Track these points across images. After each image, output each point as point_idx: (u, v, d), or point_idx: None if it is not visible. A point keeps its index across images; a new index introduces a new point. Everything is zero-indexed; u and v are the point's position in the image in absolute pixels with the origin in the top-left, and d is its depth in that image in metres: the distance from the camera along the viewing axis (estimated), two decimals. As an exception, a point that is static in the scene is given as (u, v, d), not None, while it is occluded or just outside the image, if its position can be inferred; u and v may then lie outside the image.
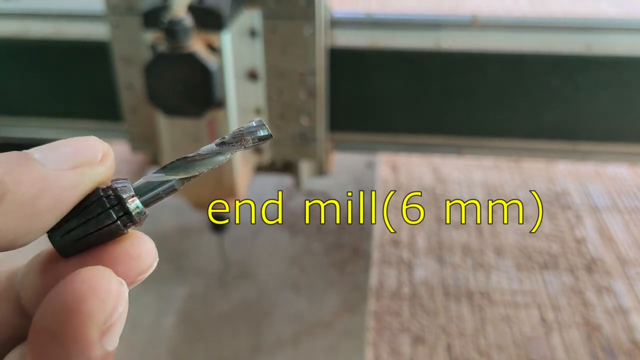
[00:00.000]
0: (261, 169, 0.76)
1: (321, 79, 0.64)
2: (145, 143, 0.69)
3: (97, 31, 0.72)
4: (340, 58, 0.69)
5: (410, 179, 0.99)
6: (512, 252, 0.81)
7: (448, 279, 0.77)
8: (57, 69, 0.75)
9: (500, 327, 0.69)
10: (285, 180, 0.95)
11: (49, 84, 0.76)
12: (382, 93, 0.71)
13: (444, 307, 0.72)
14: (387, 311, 0.72)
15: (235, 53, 0.57)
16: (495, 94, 0.70)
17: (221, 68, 0.54)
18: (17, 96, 0.78)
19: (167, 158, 0.60)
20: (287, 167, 0.75)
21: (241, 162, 0.61)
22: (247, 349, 0.65)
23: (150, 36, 0.54)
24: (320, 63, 0.63)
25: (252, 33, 0.60)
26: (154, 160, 0.76)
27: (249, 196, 0.92)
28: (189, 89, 0.53)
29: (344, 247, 0.80)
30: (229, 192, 0.62)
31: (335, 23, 0.69)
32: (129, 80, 0.65)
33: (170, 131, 0.59)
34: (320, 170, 0.75)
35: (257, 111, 0.64)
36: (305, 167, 0.73)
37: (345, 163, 1.00)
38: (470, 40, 0.69)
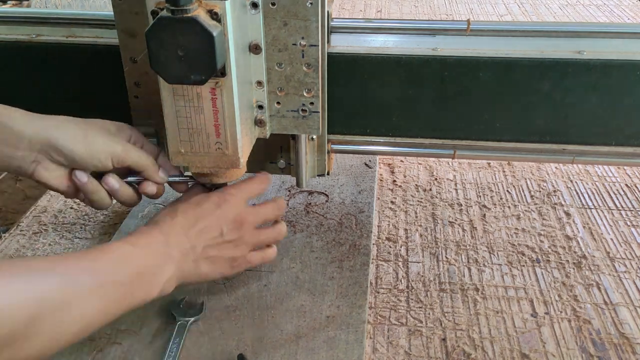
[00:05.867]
0: (263, 170, 0.77)
1: (322, 52, 0.63)
2: (148, 118, 0.69)
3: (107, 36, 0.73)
4: (338, 64, 0.70)
5: (406, 179, 1.00)
6: (504, 248, 0.83)
7: (443, 274, 0.79)
8: (68, 73, 0.76)
9: (493, 321, 0.71)
10: (287, 179, 0.97)
11: (60, 88, 0.77)
12: (380, 97, 0.72)
13: (439, 302, 0.74)
14: (384, 305, 0.74)
15: (237, 22, 0.56)
16: (488, 98, 0.71)
17: (223, 34, 0.53)
18: (29, 101, 0.78)
19: (169, 130, 0.60)
20: (289, 168, 0.76)
21: (243, 133, 0.61)
22: (251, 340, 0.66)
23: (152, 2, 0.53)
24: (322, 36, 0.62)
25: (254, 5, 0.59)
26: (156, 137, 0.76)
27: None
28: (191, 54, 0.51)
29: (343, 244, 0.82)
30: (231, 162, 0.62)
31: (334, 29, 0.71)
32: (132, 54, 0.65)
33: (173, 101, 0.58)
34: (321, 170, 0.76)
35: (259, 84, 0.64)
36: (305, 168, 0.74)
37: (345, 163, 1.01)
38: (464, 46, 0.70)
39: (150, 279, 0.56)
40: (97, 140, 0.60)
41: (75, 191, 0.63)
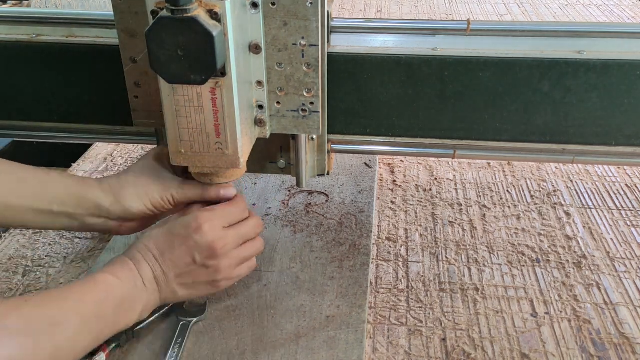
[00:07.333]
0: (263, 170, 0.77)
1: (322, 52, 0.63)
2: (148, 118, 0.70)
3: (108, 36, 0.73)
4: (338, 64, 0.70)
5: (406, 179, 1.00)
6: (504, 248, 0.83)
7: (443, 274, 0.79)
8: (69, 73, 0.76)
9: (493, 321, 0.71)
10: (287, 179, 0.97)
11: (60, 88, 0.77)
12: (380, 97, 0.72)
13: (439, 301, 0.74)
14: (384, 305, 0.74)
15: (237, 22, 0.56)
16: (488, 98, 0.71)
17: (223, 34, 0.53)
18: (30, 101, 0.79)
19: (169, 130, 0.60)
20: (289, 168, 0.76)
21: (243, 133, 0.61)
22: (251, 340, 0.66)
23: (152, 2, 0.53)
24: (322, 36, 0.62)
25: (254, 5, 0.59)
26: (156, 137, 0.77)
27: (252, 195, 0.93)
28: (190, 54, 0.51)
29: (343, 244, 0.82)
30: (231, 162, 0.62)
31: (334, 29, 0.71)
32: (132, 54, 0.65)
33: (173, 101, 0.58)
34: (321, 170, 0.76)
35: (259, 84, 0.64)
36: (305, 168, 0.74)
37: (345, 163, 1.01)
38: (464, 46, 0.70)
39: (130, 307, 0.59)
40: (155, 195, 0.67)
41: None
